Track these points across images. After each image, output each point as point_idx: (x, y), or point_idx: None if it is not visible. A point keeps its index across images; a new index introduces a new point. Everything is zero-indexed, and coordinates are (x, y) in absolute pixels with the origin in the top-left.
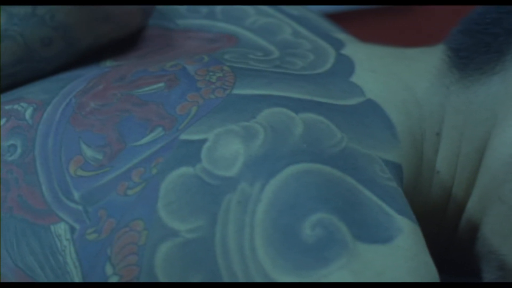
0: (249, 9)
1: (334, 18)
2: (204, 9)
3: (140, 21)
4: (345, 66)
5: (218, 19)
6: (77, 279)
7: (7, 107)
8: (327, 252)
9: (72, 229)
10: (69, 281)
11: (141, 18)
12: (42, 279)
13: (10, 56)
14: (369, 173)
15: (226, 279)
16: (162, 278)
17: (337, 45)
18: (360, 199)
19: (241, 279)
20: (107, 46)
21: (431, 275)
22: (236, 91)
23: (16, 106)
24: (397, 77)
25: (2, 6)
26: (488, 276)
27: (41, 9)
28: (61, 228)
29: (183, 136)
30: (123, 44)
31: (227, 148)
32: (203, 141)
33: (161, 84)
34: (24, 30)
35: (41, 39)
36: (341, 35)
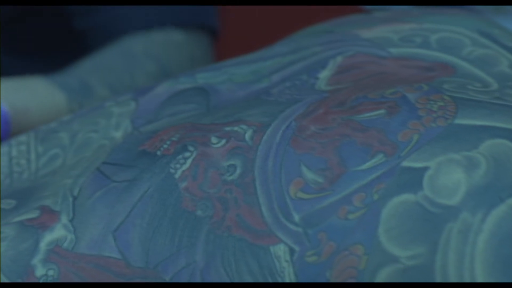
0: (465, 39)
1: None
2: (418, 38)
3: None
4: None
5: (433, 49)
6: None
7: (227, 129)
8: None
9: (292, 251)
10: None
11: None
12: None
13: None
14: None
15: None
16: None
17: None
18: None
19: None
20: None
21: None
22: (457, 121)
23: (236, 128)
24: None
25: None
26: None
27: None
28: (280, 250)
29: (405, 163)
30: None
31: (449, 177)
32: (425, 169)
33: (382, 111)
34: None
35: None
36: None
